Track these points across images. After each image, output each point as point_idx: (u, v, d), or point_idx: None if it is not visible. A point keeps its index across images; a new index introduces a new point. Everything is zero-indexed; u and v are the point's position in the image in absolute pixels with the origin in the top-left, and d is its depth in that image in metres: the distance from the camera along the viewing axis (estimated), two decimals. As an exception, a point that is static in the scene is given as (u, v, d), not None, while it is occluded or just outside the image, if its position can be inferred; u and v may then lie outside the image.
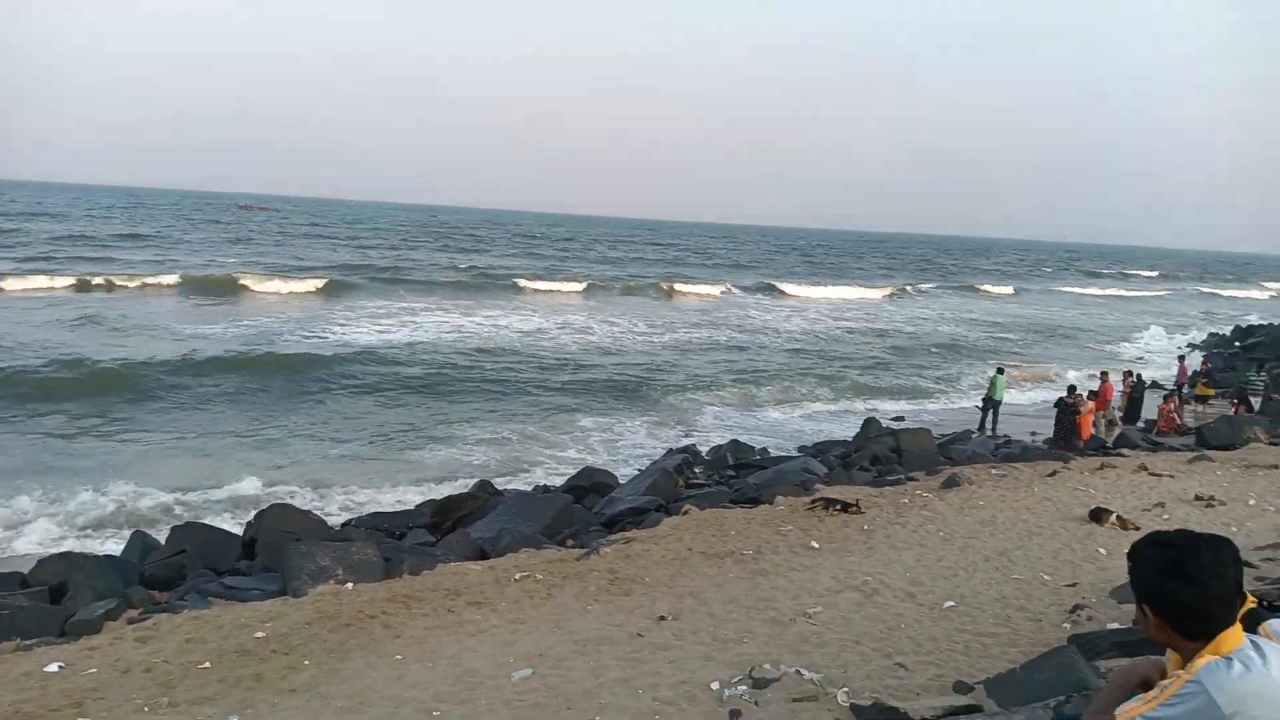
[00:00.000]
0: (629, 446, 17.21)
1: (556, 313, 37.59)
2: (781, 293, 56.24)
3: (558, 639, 6.96)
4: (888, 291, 60.60)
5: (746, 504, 11.55)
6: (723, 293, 53.10)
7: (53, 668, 6.49)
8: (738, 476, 14.21)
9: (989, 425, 19.62)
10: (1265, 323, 43.09)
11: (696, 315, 40.48)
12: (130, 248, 54.85)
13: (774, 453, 16.31)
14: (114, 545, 10.47)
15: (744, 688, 5.88)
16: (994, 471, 13.20)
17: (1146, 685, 2.28)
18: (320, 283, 41.63)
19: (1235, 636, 2.10)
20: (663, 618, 7.32)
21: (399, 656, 6.72)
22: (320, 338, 27.55)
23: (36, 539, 10.83)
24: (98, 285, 36.27)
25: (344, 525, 11.31)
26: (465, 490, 13.11)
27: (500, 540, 9.98)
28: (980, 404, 20.27)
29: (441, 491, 13.43)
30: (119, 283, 37.05)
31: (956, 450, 15.77)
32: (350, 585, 8.32)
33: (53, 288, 35.38)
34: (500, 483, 14.06)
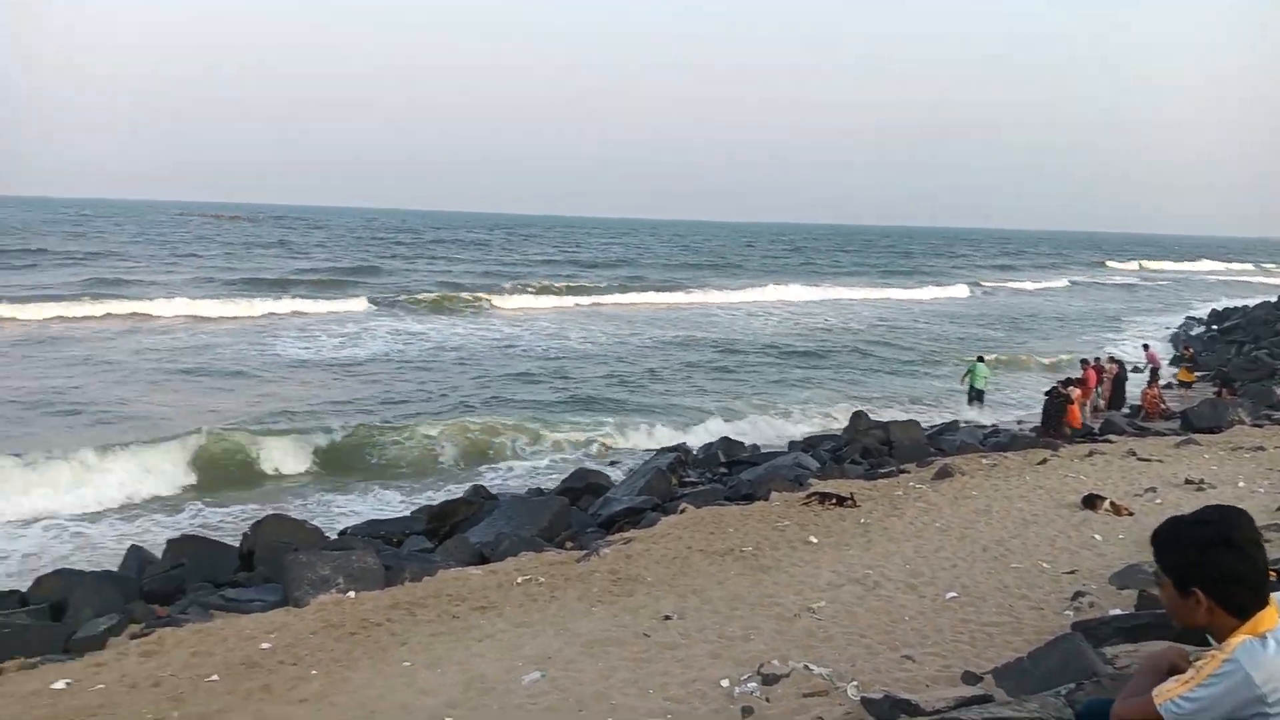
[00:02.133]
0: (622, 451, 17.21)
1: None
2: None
3: (565, 641, 6.99)
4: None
5: (742, 500, 11.61)
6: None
7: (60, 685, 6.46)
8: (730, 474, 14.28)
9: (976, 409, 20.33)
10: (1240, 305, 43.51)
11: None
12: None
13: (764, 449, 16.38)
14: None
15: (754, 684, 5.92)
16: (985, 461, 13.31)
17: (1175, 670, 2.33)
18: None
19: (1271, 616, 2.16)
20: (668, 617, 7.37)
21: (407, 664, 6.73)
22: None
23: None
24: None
25: (341, 534, 11.28)
26: (459, 496, 13.12)
27: (499, 545, 10.00)
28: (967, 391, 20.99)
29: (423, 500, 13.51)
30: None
31: (946, 441, 15.90)
32: (352, 594, 8.32)
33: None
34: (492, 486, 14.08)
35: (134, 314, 31.92)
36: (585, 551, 9.49)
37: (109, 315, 31.35)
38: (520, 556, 9.49)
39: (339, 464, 15.37)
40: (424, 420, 17.74)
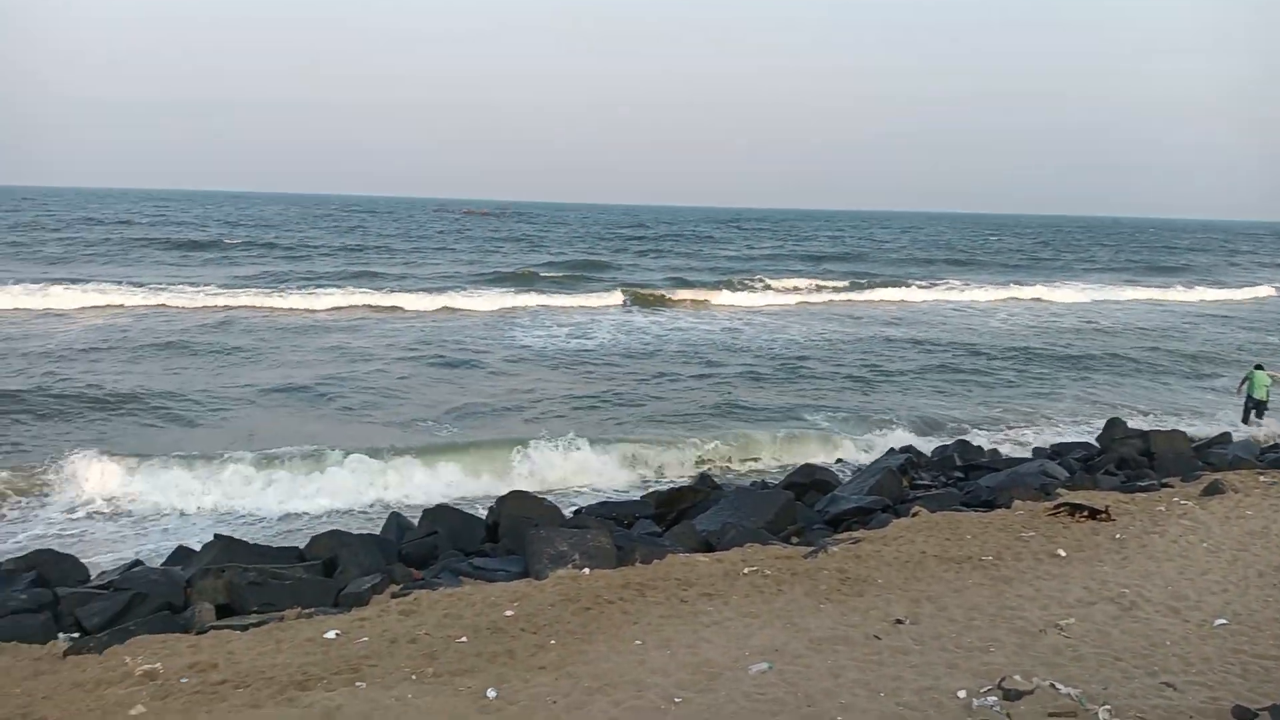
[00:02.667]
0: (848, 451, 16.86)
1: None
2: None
3: (792, 635, 6.96)
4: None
5: (980, 507, 11.09)
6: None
7: (331, 635, 7.13)
8: (967, 478, 13.65)
9: (1252, 421, 18.44)
10: None
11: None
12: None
13: (1004, 454, 15.54)
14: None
15: (994, 699, 5.66)
16: (1262, 479, 12.01)
17: None
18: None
19: None
20: (900, 621, 7.17)
21: (638, 642, 6.93)
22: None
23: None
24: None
25: (576, 513, 11.76)
26: (686, 484, 13.35)
27: (725, 534, 10.08)
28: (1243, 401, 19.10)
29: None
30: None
31: (1216, 455, 14.44)
32: (587, 570, 8.65)
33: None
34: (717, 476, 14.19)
35: (393, 307, 34.37)
36: (812, 548, 9.38)
37: (367, 306, 34.10)
38: (745, 547, 9.52)
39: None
40: (654, 412, 18.16)
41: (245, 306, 32.61)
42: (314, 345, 25.38)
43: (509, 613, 7.53)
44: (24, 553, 9.60)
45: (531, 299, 37.56)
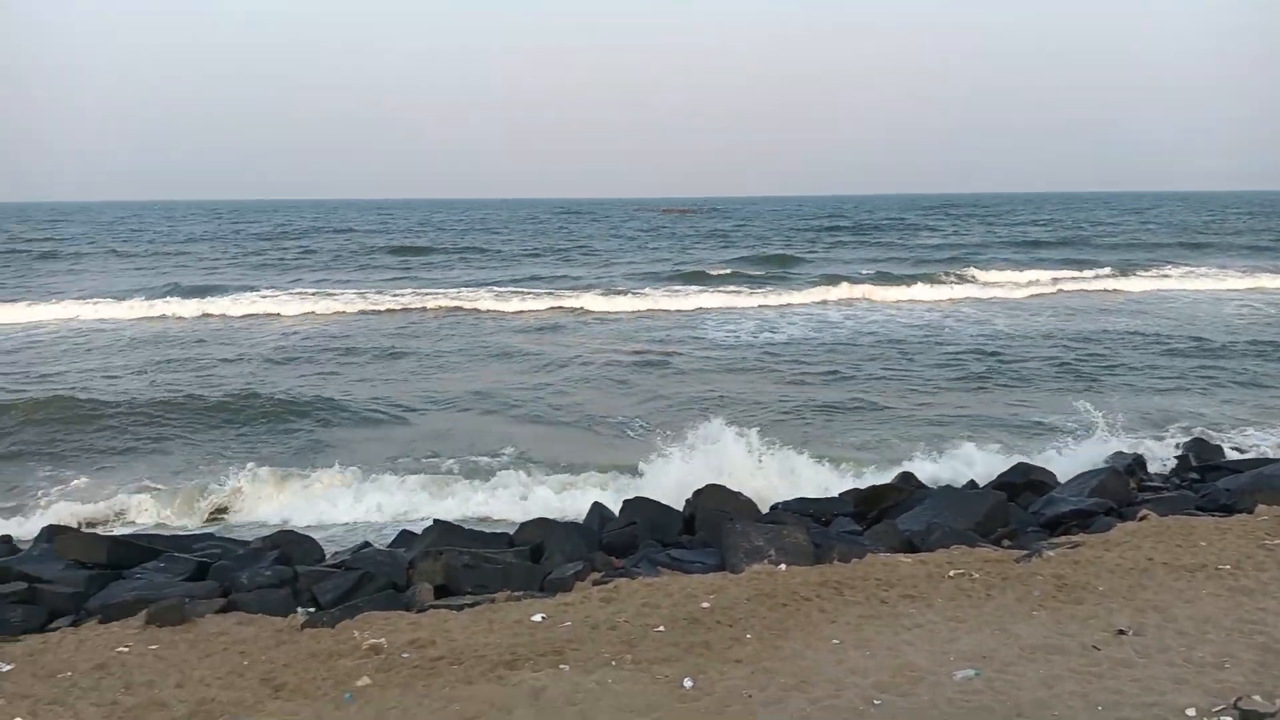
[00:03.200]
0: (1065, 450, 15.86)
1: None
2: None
3: (1001, 642, 6.65)
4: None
5: (1218, 512, 10.17)
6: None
7: (537, 618, 7.45)
8: (1203, 480, 12.56)
9: None
10: None
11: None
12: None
13: (1247, 454, 14.18)
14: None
15: (1228, 719, 5.20)
16: None
17: None
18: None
19: None
20: (1122, 631, 6.70)
21: (836, 641, 6.83)
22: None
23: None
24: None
25: (772, 508, 11.70)
26: (888, 482, 12.99)
27: (930, 534, 9.75)
28: None
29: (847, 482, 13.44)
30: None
31: None
32: (783, 566, 8.61)
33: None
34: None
35: (579, 308, 35.29)
36: (1025, 552, 8.92)
37: (563, 309, 35.21)
38: (951, 549, 9.17)
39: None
40: (849, 412, 17.78)
41: (442, 309, 34.47)
42: (517, 347, 26.44)
43: (705, 605, 7.61)
44: (270, 533, 10.61)
45: (723, 297, 37.65)
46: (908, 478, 13.18)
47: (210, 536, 10.62)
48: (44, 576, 8.56)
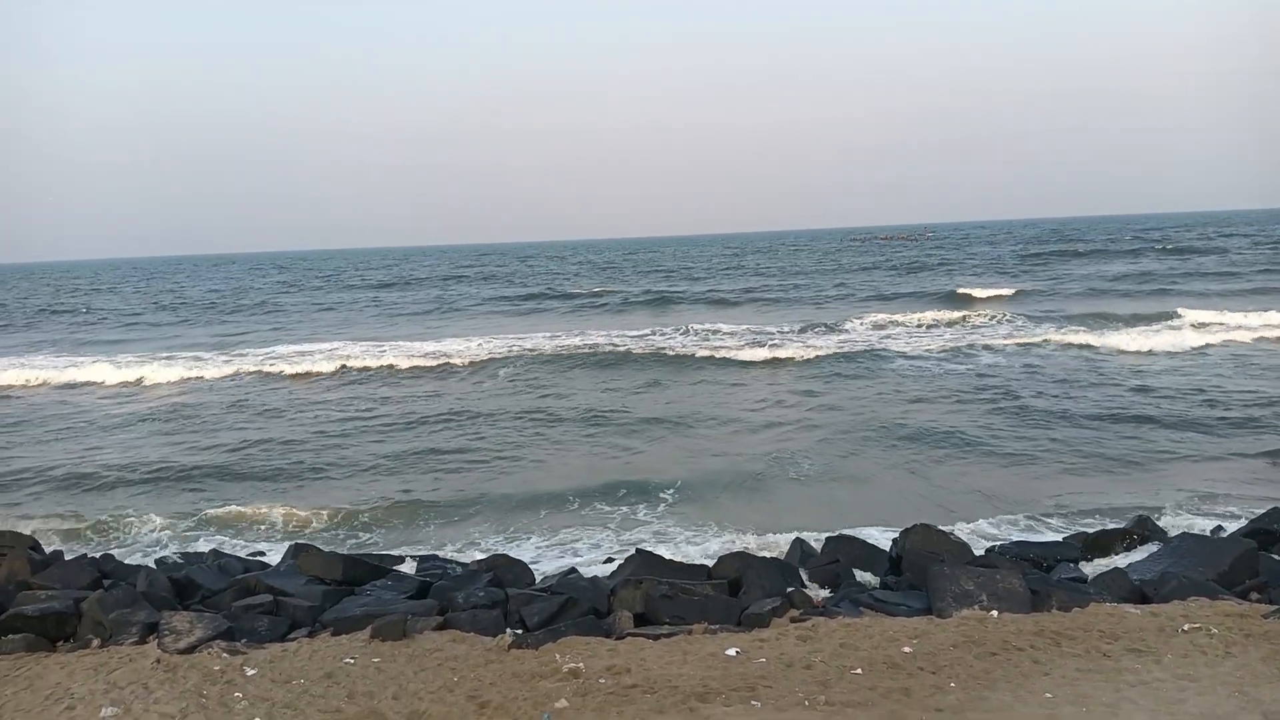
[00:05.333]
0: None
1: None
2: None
3: (1240, 706, 6.01)
4: None
5: None
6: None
7: (731, 652, 7.45)
8: None
9: None
10: None
11: None
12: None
13: None
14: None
15: None
16: None
17: None
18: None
19: None
20: (1391, 704, 5.89)
21: (1048, 695, 6.40)
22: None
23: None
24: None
25: (987, 551, 11.12)
26: (1121, 526, 12.03)
27: (1164, 584, 8.95)
28: None
29: (1082, 525, 12.48)
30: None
31: None
32: (995, 613, 8.17)
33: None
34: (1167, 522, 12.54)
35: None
36: (1276, 608, 8.01)
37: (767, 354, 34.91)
38: (1188, 601, 8.38)
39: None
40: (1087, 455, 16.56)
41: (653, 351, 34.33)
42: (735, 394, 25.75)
43: (907, 649, 7.33)
44: (485, 556, 11.19)
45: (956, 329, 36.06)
46: (1143, 522, 12.16)
47: (434, 557, 11.33)
48: (287, 590, 9.44)
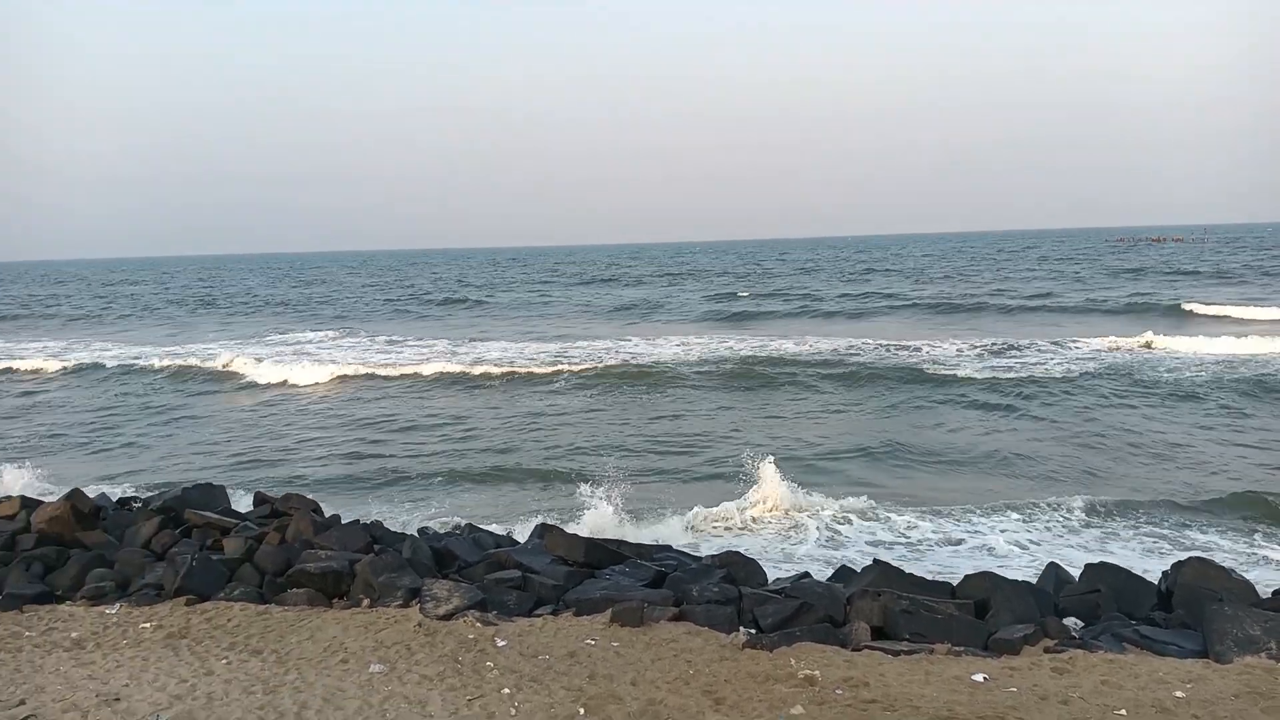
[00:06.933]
0: None
1: None
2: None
3: None
4: None
5: None
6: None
7: (978, 678, 7.08)
8: None
9: None
10: None
11: None
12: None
13: None
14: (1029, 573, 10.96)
15: None
16: None
17: None
18: None
19: None
20: None
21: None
22: None
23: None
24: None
25: (1275, 594, 9.93)
26: None
27: None
28: None
29: None
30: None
31: None
32: (1288, 665, 7.29)
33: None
34: None
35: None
36: None
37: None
38: None
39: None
40: None
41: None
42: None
43: (1179, 694, 6.69)
44: (720, 552, 11.24)
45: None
46: None
47: (668, 548, 11.51)
48: (534, 568, 9.91)
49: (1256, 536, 12.70)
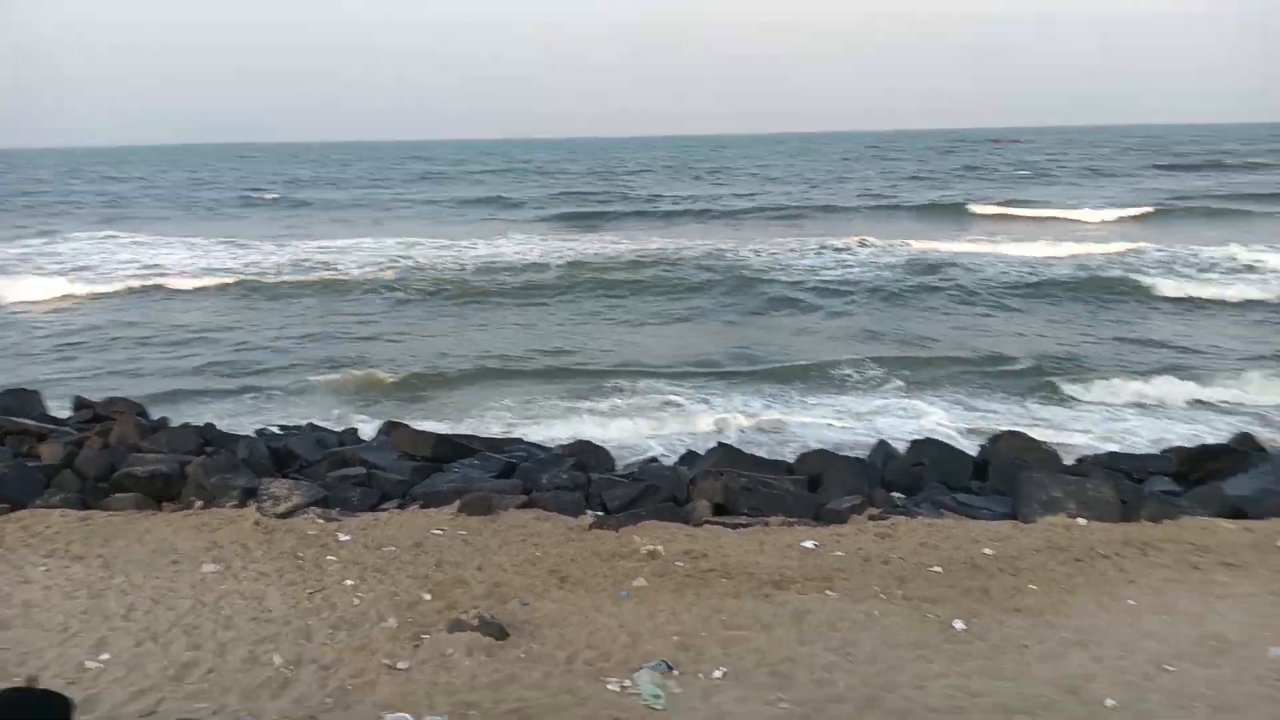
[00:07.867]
0: None
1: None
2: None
3: (1338, 625, 5.81)
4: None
5: None
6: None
7: (808, 544, 7.49)
8: None
9: None
10: None
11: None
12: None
13: None
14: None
15: None
16: None
17: None
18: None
19: None
20: None
21: (1131, 602, 6.30)
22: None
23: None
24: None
25: (1078, 461, 10.86)
26: (1222, 442, 11.57)
27: (1262, 501, 8.62)
28: None
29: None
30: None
31: None
32: (1082, 520, 8.02)
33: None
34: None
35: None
36: (1387, 531, 7.68)
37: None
38: (1288, 519, 8.08)
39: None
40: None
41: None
42: None
43: (988, 551, 7.28)
44: (570, 441, 11.37)
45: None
46: (1246, 438, 11.68)
47: (519, 441, 11.56)
48: (380, 465, 9.78)
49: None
